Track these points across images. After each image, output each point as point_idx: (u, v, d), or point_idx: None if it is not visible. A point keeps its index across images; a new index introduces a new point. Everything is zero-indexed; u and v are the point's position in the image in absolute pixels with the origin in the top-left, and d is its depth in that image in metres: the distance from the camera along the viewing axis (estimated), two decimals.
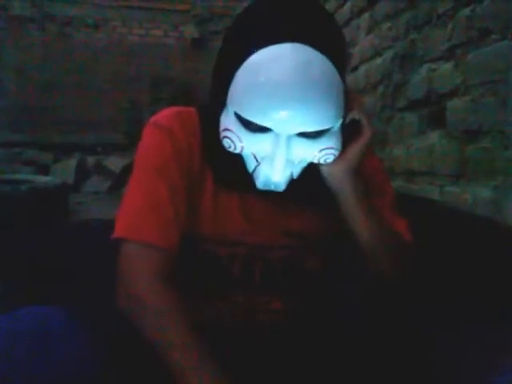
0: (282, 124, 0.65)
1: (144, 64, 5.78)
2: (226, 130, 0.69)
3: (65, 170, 4.89)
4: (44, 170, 4.87)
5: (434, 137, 1.59)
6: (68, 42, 5.69)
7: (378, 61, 2.09)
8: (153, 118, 0.79)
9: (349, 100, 0.72)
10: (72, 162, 5.07)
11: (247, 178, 0.74)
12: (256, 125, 0.66)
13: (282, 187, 0.71)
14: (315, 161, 0.70)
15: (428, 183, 1.62)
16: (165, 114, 0.79)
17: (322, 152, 0.69)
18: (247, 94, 0.65)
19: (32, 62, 5.50)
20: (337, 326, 0.85)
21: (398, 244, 0.80)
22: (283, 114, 0.64)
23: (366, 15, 2.25)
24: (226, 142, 0.70)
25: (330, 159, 0.70)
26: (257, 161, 0.70)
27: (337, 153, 0.71)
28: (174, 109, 0.80)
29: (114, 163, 5.00)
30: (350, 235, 0.78)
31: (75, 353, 0.65)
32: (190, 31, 6.01)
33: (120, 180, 4.63)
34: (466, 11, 1.42)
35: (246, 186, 0.75)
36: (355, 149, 0.74)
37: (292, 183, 0.72)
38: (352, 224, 0.77)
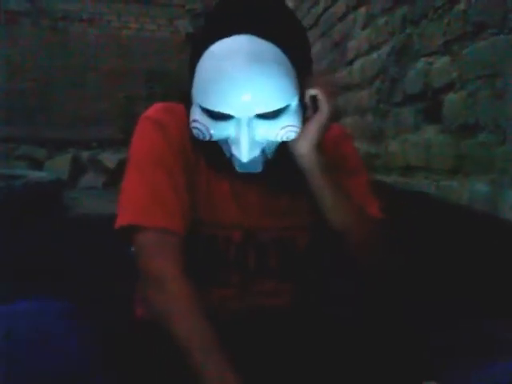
0: (240, 109, 0.71)
1: (139, 58, 5.75)
2: (194, 121, 0.75)
3: (59, 166, 4.86)
4: (38, 165, 4.84)
5: (430, 132, 1.58)
6: (63, 36, 5.65)
7: (374, 55, 2.08)
8: (144, 113, 0.83)
9: (311, 81, 0.78)
10: (66, 158, 5.04)
11: (231, 164, 0.78)
12: (218, 113, 0.72)
13: (258, 168, 0.76)
14: (278, 139, 0.75)
15: (424, 178, 1.62)
16: (155, 109, 0.83)
17: (282, 130, 0.74)
18: (206, 85, 0.72)
19: (26, 57, 5.46)
20: (330, 312, 0.87)
21: (371, 225, 0.83)
22: (239, 99, 0.70)
23: (362, 9, 2.24)
24: (195, 133, 0.75)
25: (292, 136, 0.75)
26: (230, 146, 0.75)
27: (297, 129, 0.75)
28: (162, 104, 0.85)
29: (109, 158, 4.98)
30: (322, 217, 0.81)
31: (74, 349, 0.65)
32: (185, 26, 5.98)
33: (115, 175, 4.61)
34: (462, 5, 1.41)
35: (232, 170, 0.79)
36: (313, 125, 0.78)
37: (270, 164, 0.77)
38: (320, 202, 0.80)
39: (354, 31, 2.34)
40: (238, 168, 0.76)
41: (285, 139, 0.75)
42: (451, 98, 1.46)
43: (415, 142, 1.69)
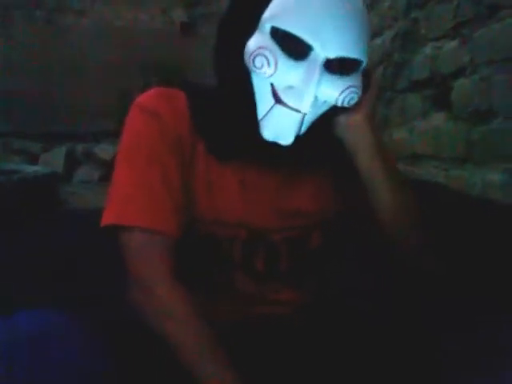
0: (325, 42, 0.64)
1: (133, 50, 5.67)
2: (261, 48, 0.66)
3: (55, 159, 4.80)
4: (33, 159, 4.78)
5: (438, 118, 1.54)
6: (55, 28, 5.55)
7: (378, 41, 2.03)
8: (137, 100, 0.75)
9: None
10: (61, 151, 4.98)
11: (246, 142, 0.71)
12: (294, 44, 0.65)
13: (289, 139, 0.69)
14: (339, 102, 0.68)
15: (433, 167, 1.58)
16: (148, 95, 0.75)
17: (347, 91, 0.68)
18: (291, 8, 0.65)
19: (19, 50, 5.37)
20: (346, 320, 0.81)
21: (419, 211, 0.76)
22: (329, 30, 0.64)
23: None
24: (258, 61, 0.66)
25: (354, 100, 0.69)
26: (275, 98, 0.67)
27: (360, 94, 0.70)
28: (157, 89, 0.77)
29: (105, 151, 4.92)
30: (369, 199, 0.74)
31: (76, 357, 0.61)
32: (179, 15, 5.89)
33: (111, 168, 4.55)
34: None
35: (244, 151, 0.73)
36: (370, 97, 0.73)
37: (297, 143, 0.70)
38: (371, 182, 0.74)
39: None
40: (267, 135, 0.69)
41: (345, 103, 0.68)
42: (462, 83, 1.41)
43: (423, 129, 1.64)
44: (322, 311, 0.83)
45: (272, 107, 0.68)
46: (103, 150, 4.88)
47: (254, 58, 0.66)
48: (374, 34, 2.06)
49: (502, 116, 1.23)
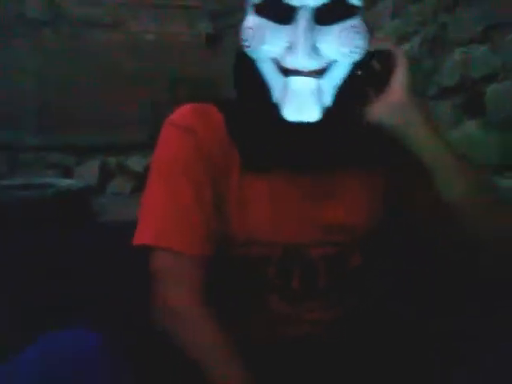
0: None
1: (160, 63, 5.76)
2: (248, 28, 0.68)
3: (88, 172, 4.91)
4: (68, 172, 4.90)
5: (471, 126, 1.49)
6: (83, 42, 5.70)
7: (406, 46, 1.99)
8: (169, 118, 0.75)
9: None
10: (95, 164, 5.10)
11: (277, 156, 0.70)
12: (277, 10, 0.64)
13: (314, 115, 0.65)
14: (342, 48, 0.65)
15: None
16: (181, 112, 0.75)
17: (345, 32, 0.65)
18: None
19: (50, 65, 5.53)
20: (389, 345, 0.77)
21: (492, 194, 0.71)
22: None
23: None
24: (245, 35, 0.68)
25: (359, 41, 0.66)
26: (282, 72, 0.66)
27: (362, 32, 0.66)
28: (189, 105, 0.76)
29: (137, 163, 5.01)
30: (437, 187, 0.68)
31: (109, 379, 0.60)
32: (205, 27, 5.96)
33: (143, 180, 4.62)
34: None
35: (276, 161, 0.71)
36: (401, 74, 0.68)
37: (325, 123, 0.66)
38: (438, 162, 0.67)
39: (383, 21, 2.24)
40: (289, 115, 0.65)
41: (352, 48, 0.65)
42: (494, 89, 1.37)
43: (455, 137, 1.59)
44: (359, 329, 0.80)
45: (284, 83, 0.66)
46: (135, 162, 4.97)
47: (243, 37, 0.68)
48: (401, 39, 2.02)
49: None
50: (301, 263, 0.74)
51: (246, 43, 0.68)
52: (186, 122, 0.73)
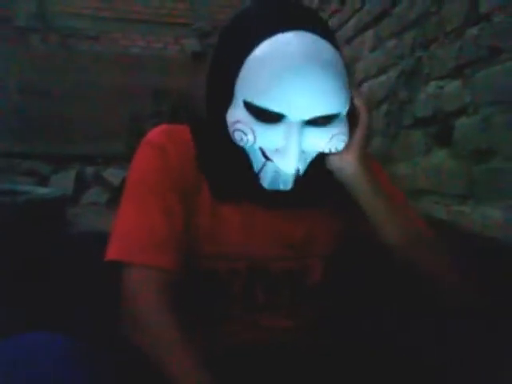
0: (296, 109, 0.64)
1: (145, 76, 5.79)
2: (237, 122, 0.68)
3: (64, 181, 4.85)
4: (43, 180, 4.83)
5: (441, 156, 1.56)
6: (69, 53, 5.69)
7: (383, 78, 2.07)
8: (146, 137, 0.78)
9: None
10: (71, 173, 5.04)
11: (247, 187, 0.73)
12: (268, 113, 0.66)
13: (289, 185, 0.71)
14: (326, 150, 0.70)
15: (434, 203, 1.59)
16: (157, 132, 0.78)
17: (333, 139, 0.69)
18: (259, 81, 0.65)
19: (34, 73, 5.50)
20: (346, 348, 0.81)
21: (430, 239, 0.77)
22: (297, 98, 0.64)
23: (371, 32, 2.24)
24: (237, 135, 0.68)
25: (341, 146, 0.71)
26: (265, 157, 0.69)
27: (346, 139, 0.71)
28: (165, 126, 0.79)
29: (114, 175, 4.97)
30: (375, 235, 0.75)
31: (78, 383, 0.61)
32: (192, 44, 6.03)
33: (119, 192, 4.59)
34: (475, 30, 1.40)
35: (245, 195, 0.75)
36: (360, 134, 0.74)
37: (297, 184, 0.72)
38: (375, 219, 0.74)
39: (363, 53, 2.34)
40: (267, 184, 0.71)
41: (333, 150, 0.70)
42: (463, 122, 1.44)
43: (425, 165, 1.66)
44: (318, 337, 0.84)
45: (264, 164, 0.70)
46: (112, 174, 4.94)
47: (233, 133, 0.69)
48: (379, 70, 2.11)
49: (502, 156, 1.25)
50: (265, 277, 0.78)
51: (231, 133, 0.69)
52: (158, 142, 0.75)
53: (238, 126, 0.68)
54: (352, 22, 2.49)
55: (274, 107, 0.65)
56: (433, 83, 1.64)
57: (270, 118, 0.66)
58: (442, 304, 0.77)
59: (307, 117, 0.66)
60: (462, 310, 0.76)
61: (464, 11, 1.45)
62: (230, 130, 0.69)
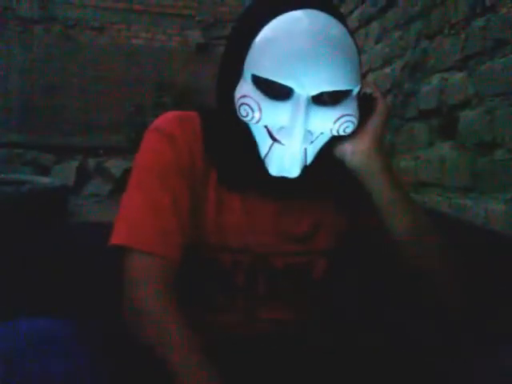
0: (304, 82, 0.64)
1: (148, 68, 5.78)
2: (244, 96, 0.67)
3: (66, 172, 4.86)
4: (45, 171, 4.84)
5: (444, 148, 1.56)
6: (72, 44, 5.69)
7: (387, 70, 2.06)
8: (153, 123, 0.77)
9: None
10: (73, 164, 5.05)
11: (254, 173, 0.72)
12: (276, 87, 0.65)
13: (295, 172, 0.69)
14: (334, 131, 0.68)
15: (437, 195, 1.59)
16: (165, 119, 0.77)
17: (340, 120, 0.67)
18: (268, 56, 0.65)
19: (36, 63, 5.50)
20: (343, 341, 0.82)
21: (436, 233, 0.74)
22: (305, 70, 0.63)
23: (375, 24, 2.23)
24: (243, 110, 0.67)
25: (350, 128, 0.69)
26: (271, 138, 0.68)
27: (355, 121, 0.69)
28: (174, 113, 0.78)
29: (116, 166, 4.98)
30: (383, 226, 0.74)
31: (76, 369, 0.61)
32: (195, 36, 6.01)
33: (121, 183, 4.61)
34: (481, 21, 1.39)
35: (252, 183, 0.74)
36: (376, 121, 0.72)
37: (304, 173, 0.70)
38: (388, 211, 0.73)
39: (367, 45, 2.33)
40: (273, 170, 0.69)
41: (341, 132, 0.68)
42: (467, 114, 1.44)
43: (428, 158, 1.66)
44: (317, 329, 0.84)
45: (271, 146, 0.69)
46: (114, 165, 4.94)
47: (239, 107, 0.68)
48: (384, 62, 2.10)
49: (505, 148, 1.25)
50: (268, 270, 0.78)
51: (237, 108, 0.68)
52: (167, 129, 0.74)
53: (245, 100, 0.67)
54: (356, 13, 2.48)
55: (282, 80, 0.64)
56: (437, 75, 1.63)
57: (277, 93, 0.66)
58: (438, 300, 0.78)
59: (315, 91, 0.64)
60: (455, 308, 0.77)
61: (470, 3, 1.44)
62: (237, 105, 0.68)
